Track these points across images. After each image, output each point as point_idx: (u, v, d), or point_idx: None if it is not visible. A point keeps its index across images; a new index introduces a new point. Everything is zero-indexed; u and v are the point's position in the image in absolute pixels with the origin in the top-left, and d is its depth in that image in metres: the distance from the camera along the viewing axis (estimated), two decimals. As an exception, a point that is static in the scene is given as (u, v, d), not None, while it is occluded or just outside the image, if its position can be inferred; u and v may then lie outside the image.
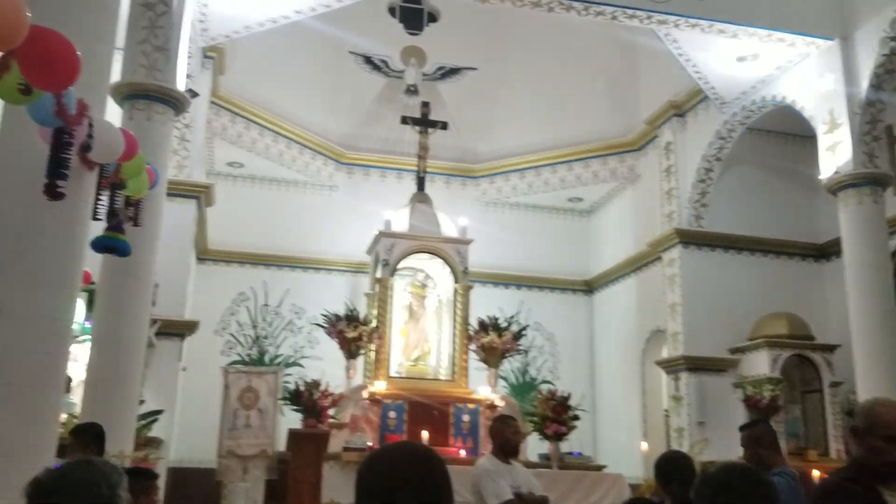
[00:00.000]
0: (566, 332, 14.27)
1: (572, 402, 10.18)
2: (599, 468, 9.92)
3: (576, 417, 10.10)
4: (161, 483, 6.48)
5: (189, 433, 11.01)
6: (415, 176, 12.48)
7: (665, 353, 11.85)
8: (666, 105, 12.18)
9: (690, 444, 10.22)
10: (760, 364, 10.52)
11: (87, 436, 4.42)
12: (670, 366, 11.43)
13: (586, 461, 10.14)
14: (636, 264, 13.13)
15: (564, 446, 10.06)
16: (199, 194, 10.45)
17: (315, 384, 9.78)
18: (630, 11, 9.18)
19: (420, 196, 12.07)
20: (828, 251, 11.40)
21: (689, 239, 11.54)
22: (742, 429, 4.31)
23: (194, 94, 8.43)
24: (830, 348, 10.59)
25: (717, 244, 11.57)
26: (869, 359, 7.95)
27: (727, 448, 9.58)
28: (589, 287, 14.69)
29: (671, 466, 3.98)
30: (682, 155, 11.96)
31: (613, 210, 14.47)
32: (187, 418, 10.90)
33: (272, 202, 13.63)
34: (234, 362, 12.19)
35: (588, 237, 14.96)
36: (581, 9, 9.31)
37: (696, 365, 11.01)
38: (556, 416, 9.86)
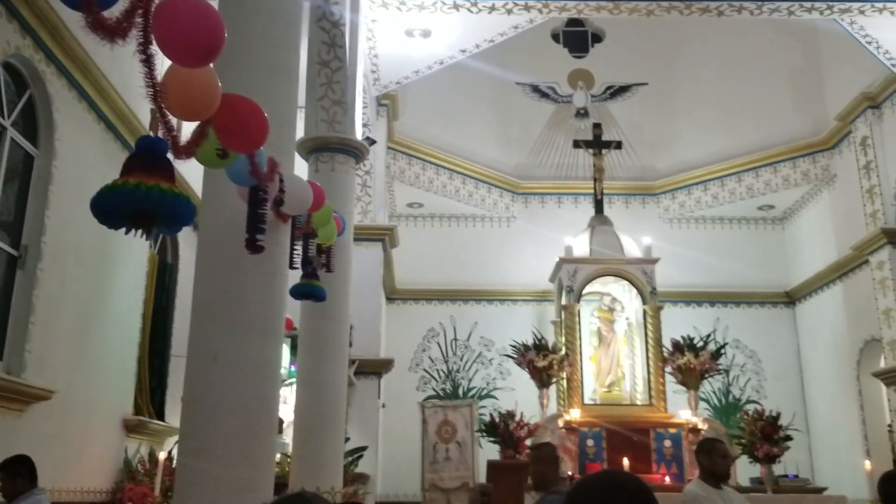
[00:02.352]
0: (769, 347, 13.41)
1: (783, 422, 9.55)
2: (819, 490, 9.20)
3: (788, 437, 9.45)
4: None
5: (393, 468, 11.37)
6: (592, 199, 12.34)
7: (883, 364, 10.79)
8: (858, 98, 11.24)
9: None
10: None
11: (14, 467, 4.61)
12: (890, 377, 10.38)
13: (803, 483, 9.44)
14: (841, 270, 12.11)
15: (778, 469, 9.43)
16: (383, 237, 10.89)
17: (510, 415, 9.80)
18: (808, 4, 8.62)
19: (599, 219, 11.89)
20: None
21: (900, 238, 10.49)
22: (531, 449, 5.18)
23: (372, 142, 8.85)
24: None
25: (933, 240, 10.45)
26: None
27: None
28: (790, 298, 13.74)
29: (893, 486, 3.76)
30: (881, 149, 10.96)
31: (810, 215, 13.49)
32: (389, 453, 11.28)
33: (453, 238, 13.95)
34: (430, 397, 12.50)
35: (784, 246, 14.04)
36: (753, 9, 8.87)
37: (923, 375, 9.93)
38: (766, 436, 9.26)
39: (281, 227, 4.16)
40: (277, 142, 3.84)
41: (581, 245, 11.43)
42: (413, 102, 12.34)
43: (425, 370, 13.31)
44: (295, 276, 5.19)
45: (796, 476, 9.61)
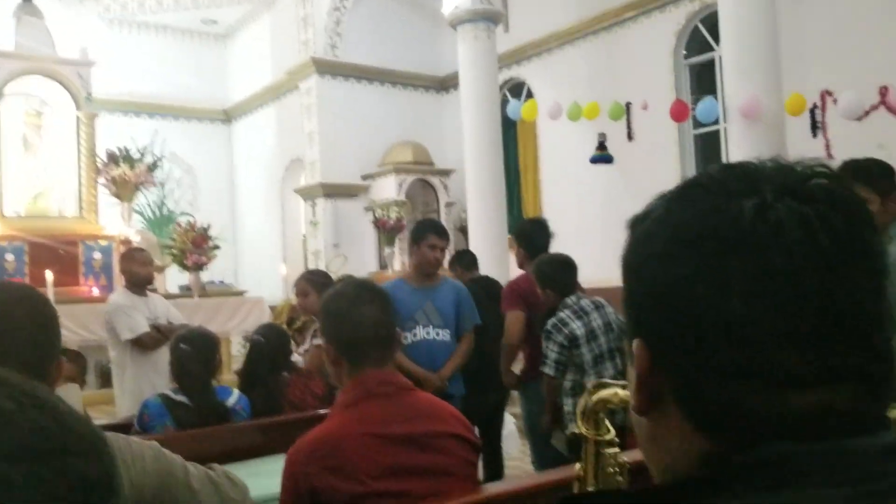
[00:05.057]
0: (205, 163, 13.95)
1: (213, 233, 10.15)
2: (241, 293, 10.20)
3: (216, 247, 10.13)
4: None
5: None
6: (17, -17, 10.76)
7: (303, 181, 12.22)
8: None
9: (326, 262, 10.93)
10: (388, 189, 11.38)
11: None
12: (308, 193, 11.87)
13: (228, 288, 10.34)
14: (275, 93, 13.05)
15: (206, 276, 10.10)
16: None
17: None
18: None
19: (28, 8, 10.50)
20: (447, 84, 12.37)
21: (325, 69, 11.71)
22: None
23: None
24: (447, 173, 11.79)
25: (351, 75, 11.92)
26: (478, 181, 9.01)
27: (362, 263, 10.50)
28: (227, 116, 14.34)
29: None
30: (318, -21, 11.85)
31: (250, 35, 14.01)
32: None
33: None
34: None
35: (225, 64, 14.41)
36: None
37: (332, 191, 11.58)
38: (197, 246, 9.79)
39: None
40: None
41: (4, 37, 10.04)
42: None
43: None
44: None
45: (222, 282, 10.47)
